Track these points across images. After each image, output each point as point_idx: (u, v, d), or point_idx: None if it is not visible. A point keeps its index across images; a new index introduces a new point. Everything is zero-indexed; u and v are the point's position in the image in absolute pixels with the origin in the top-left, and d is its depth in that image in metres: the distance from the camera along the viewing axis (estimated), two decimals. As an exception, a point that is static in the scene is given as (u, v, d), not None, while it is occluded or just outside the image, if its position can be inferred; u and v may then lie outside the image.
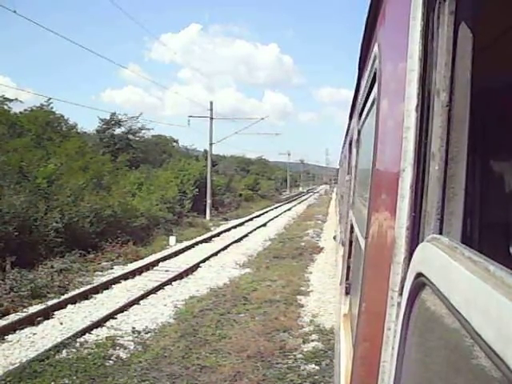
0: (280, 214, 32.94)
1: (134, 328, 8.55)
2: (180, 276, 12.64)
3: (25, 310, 9.38)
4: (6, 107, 20.61)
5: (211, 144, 30.16)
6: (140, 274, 12.95)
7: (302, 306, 10.10)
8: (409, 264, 0.81)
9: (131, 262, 14.50)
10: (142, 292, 10.81)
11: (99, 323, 8.66)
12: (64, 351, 7.36)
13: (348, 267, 3.41)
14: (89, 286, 11.17)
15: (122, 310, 9.53)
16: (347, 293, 3.29)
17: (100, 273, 13.01)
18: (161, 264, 14.36)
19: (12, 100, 20.93)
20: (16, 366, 6.73)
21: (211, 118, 29.61)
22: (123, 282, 11.91)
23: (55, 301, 9.90)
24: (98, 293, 10.80)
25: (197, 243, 18.56)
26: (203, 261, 14.81)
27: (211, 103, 30.15)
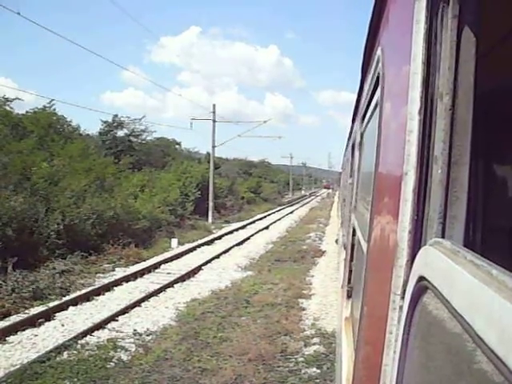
0: (282, 217, 32.87)
1: (135, 330, 8.54)
2: (182, 278, 12.63)
3: (26, 311, 9.39)
4: (8, 108, 20.62)
5: (214, 147, 30.15)
6: (142, 276, 12.95)
7: (304, 309, 10.07)
8: (411, 267, 0.81)
9: (133, 264, 14.51)
10: (144, 294, 10.81)
11: (100, 325, 8.66)
12: (65, 353, 7.35)
13: (350, 271, 3.40)
14: (90, 288, 11.18)
15: (123, 312, 9.53)
16: (349, 296, 3.29)
17: (102, 275, 13.01)
18: (162, 266, 14.36)
19: (12, 100, 20.94)
20: (17, 367, 6.73)
21: (214, 121, 29.61)
22: (125, 284, 11.91)
23: (56, 302, 9.90)
24: (99, 295, 10.80)
25: (199, 246, 18.54)
26: (205, 263, 14.81)
27: (214, 106, 30.13)
